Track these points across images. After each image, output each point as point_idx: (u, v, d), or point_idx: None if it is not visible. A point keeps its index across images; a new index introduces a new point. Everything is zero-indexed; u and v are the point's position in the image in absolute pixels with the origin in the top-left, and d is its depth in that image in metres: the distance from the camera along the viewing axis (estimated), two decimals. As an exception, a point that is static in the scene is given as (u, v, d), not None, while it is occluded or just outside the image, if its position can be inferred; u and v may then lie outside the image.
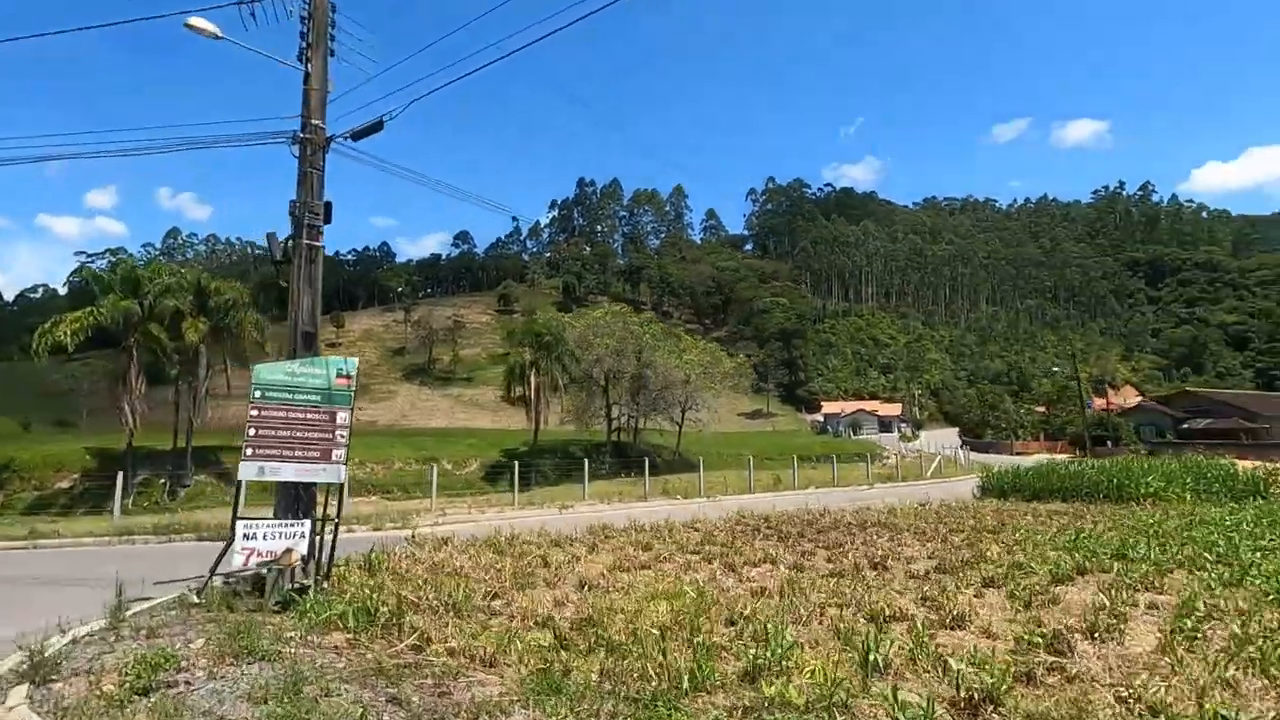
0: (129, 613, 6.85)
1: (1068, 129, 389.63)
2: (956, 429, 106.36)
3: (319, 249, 8.15)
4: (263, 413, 7.57)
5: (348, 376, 7.94)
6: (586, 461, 26.93)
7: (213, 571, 7.37)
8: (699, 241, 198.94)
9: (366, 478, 33.60)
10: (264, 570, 7.09)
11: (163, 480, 29.19)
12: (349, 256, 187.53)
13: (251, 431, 7.47)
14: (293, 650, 5.43)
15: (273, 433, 7.54)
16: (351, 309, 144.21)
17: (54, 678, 4.95)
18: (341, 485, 7.71)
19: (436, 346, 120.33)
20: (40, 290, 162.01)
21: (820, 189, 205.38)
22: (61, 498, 27.55)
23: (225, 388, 31.62)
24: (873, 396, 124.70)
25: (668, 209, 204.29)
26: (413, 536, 10.76)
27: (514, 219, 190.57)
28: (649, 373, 38.49)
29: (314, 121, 8.22)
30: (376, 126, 8.47)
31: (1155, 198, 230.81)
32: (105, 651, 5.54)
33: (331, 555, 7.45)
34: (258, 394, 7.58)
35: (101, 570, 10.22)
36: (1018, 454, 55.94)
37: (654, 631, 5.46)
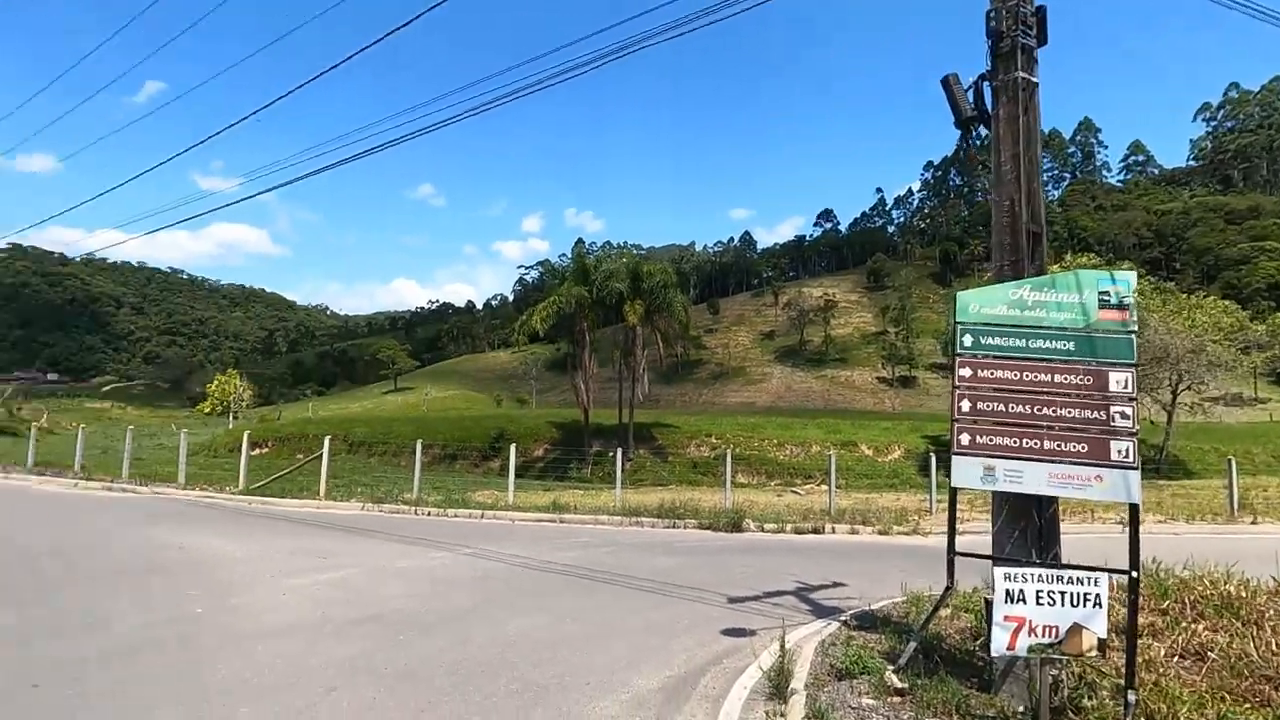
0: (794, 690, 4.30)
1: None
2: None
3: (1035, 86, 4.68)
4: (979, 373, 4.36)
5: (1121, 306, 4.28)
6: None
7: (921, 637, 4.47)
8: (1119, 184, 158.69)
9: (788, 460, 31.85)
10: (1026, 657, 3.85)
11: (611, 454, 31.48)
12: (715, 249, 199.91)
13: (965, 405, 4.32)
14: None
15: (1000, 408, 4.28)
16: (724, 295, 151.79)
17: None
18: (1136, 507, 4.12)
19: (806, 328, 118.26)
20: (498, 298, 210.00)
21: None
22: (538, 463, 31.62)
23: (659, 364, 33.58)
24: None
25: (1071, 149, 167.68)
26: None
27: (878, 190, 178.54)
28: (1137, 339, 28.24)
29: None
30: None
31: None
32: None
33: (1133, 644, 3.88)
34: (967, 340, 4.41)
35: (647, 568, 8.65)
36: None
37: None
